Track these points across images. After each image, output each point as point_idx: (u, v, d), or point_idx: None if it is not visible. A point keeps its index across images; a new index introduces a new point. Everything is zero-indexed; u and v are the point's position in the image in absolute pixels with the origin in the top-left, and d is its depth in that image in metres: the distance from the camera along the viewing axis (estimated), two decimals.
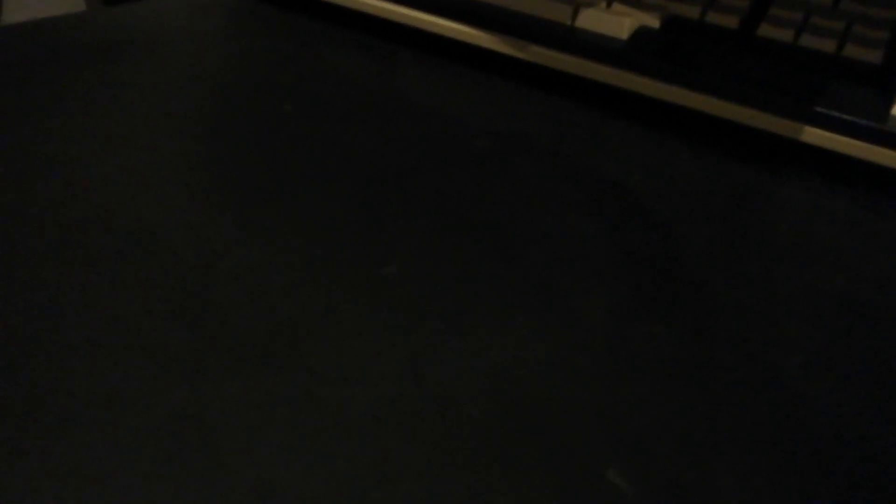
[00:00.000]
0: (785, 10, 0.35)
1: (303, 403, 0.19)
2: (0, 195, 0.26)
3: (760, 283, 0.25)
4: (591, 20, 0.35)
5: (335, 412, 0.19)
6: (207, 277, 0.23)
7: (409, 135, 0.32)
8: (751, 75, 0.32)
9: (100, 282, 0.23)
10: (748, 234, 0.27)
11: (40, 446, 0.18)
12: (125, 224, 0.25)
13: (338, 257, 0.24)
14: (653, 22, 0.35)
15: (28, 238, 0.24)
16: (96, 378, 0.20)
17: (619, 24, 0.34)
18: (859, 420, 0.20)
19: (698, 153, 0.32)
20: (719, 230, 0.28)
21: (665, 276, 0.25)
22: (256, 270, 0.24)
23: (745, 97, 0.31)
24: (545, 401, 0.20)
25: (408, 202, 0.28)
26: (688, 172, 0.31)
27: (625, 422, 0.20)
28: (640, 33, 0.35)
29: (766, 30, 0.34)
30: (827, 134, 0.30)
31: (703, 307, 0.24)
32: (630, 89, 0.34)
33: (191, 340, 0.21)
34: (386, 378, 0.20)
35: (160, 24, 0.40)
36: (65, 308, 0.22)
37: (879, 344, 0.23)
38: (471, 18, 0.36)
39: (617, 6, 0.36)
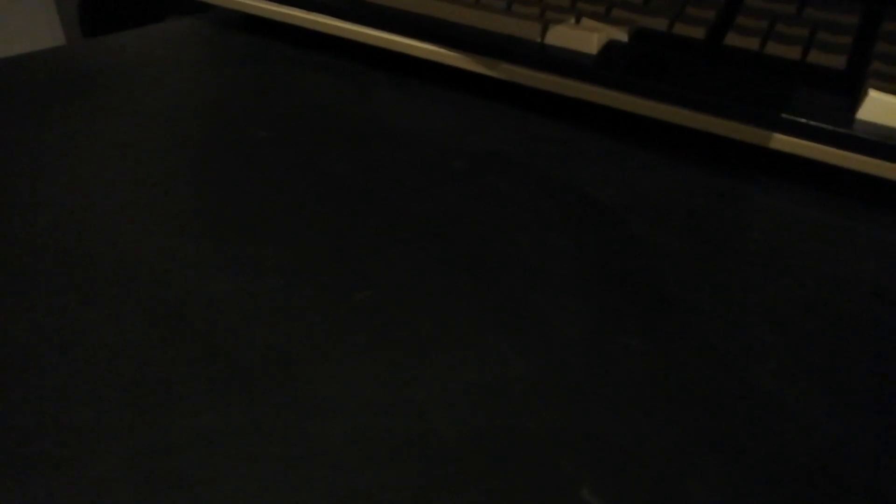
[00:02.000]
0: (750, 18, 0.36)
1: (280, 435, 0.20)
2: None
3: (733, 292, 0.25)
4: (561, 37, 0.35)
5: (310, 443, 0.19)
6: (184, 308, 0.23)
7: (384, 158, 0.32)
8: (719, 85, 0.32)
9: (76, 315, 0.23)
10: (721, 244, 0.28)
11: (10, 482, 0.18)
12: (102, 257, 0.25)
13: (313, 284, 0.25)
14: (621, 36, 0.36)
15: (4, 274, 0.24)
16: (69, 412, 0.20)
17: (589, 40, 0.35)
18: (834, 426, 0.21)
19: (670, 164, 0.33)
20: (692, 241, 0.28)
21: (639, 290, 0.25)
22: (232, 300, 0.24)
23: (714, 107, 0.32)
24: (521, 420, 0.20)
25: (384, 225, 0.28)
26: (660, 184, 0.31)
27: (599, 438, 0.20)
28: (610, 47, 0.35)
29: (732, 39, 0.35)
30: (795, 140, 0.30)
31: (677, 319, 0.24)
32: (601, 103, 0.34)
33: (164, 373, 0.21)
34: (361, 406, 0.20)
35: (139, 56, 0.41)
36: (39, 342, 0.22)
37: (852, 349, 0.23)
38: (443, 39, 0.37)
39: (586, 21, 0.36)
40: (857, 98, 0.31)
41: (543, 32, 0.36)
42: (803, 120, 0.30)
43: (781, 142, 0.31)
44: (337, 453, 0.19)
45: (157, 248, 0.26)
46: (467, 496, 0.18)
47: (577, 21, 0.36)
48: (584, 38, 0.35)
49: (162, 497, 0.18)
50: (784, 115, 0.30)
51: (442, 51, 0.37)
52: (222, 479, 0.18)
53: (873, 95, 0.29)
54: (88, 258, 0.25)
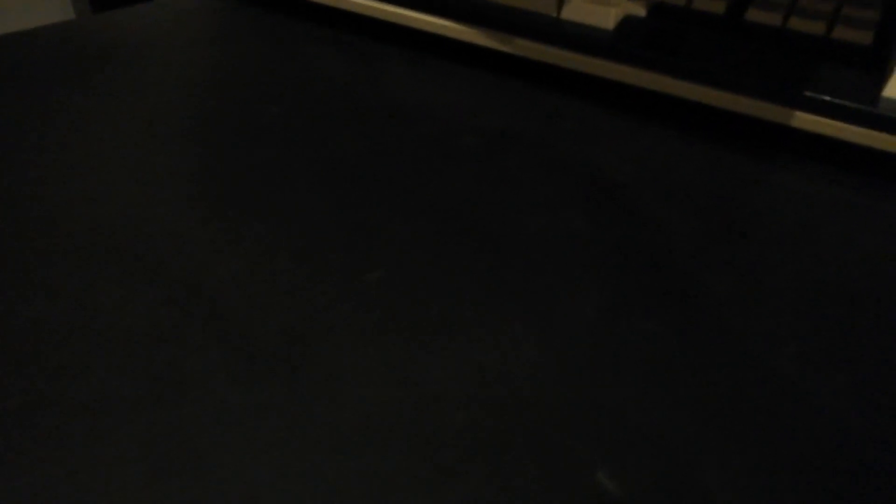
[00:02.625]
0: None
1: (290, 416, 0.19)
2: None
3: (752, 275, 0.25)
4: (577, 11, 0.34)
5: (323, 424, 0.19)
6: (196, 288, 0.23)
7: (395, 135, 0.32)
8: (739, 61, 0.31)
9: (88, 293, 0.23)
10: (740, 225, 0.27)
11: (29, 460, 0.18)
12: (111, 235, 0.25)
13: (324, 264, 0.24)
14: (639, 10, 0.35)
15: (17, 252, 0.24)
16: (81, 389, 0.19)
17: (605, 14, 0.34)
18: (854, 413, 0.20)
19: (688, 143, 0.32)
20: (711, 221, 0.27)
21: (656, 271, 0.25)
22: (244, 280, 0.23)
23: (735, 84, 0.31)
24: (533, 402, 0.20)
25: (395, 204, 0.27)
26: (678, 163, 0.31)
27: (614, 421, 0.19)
28: (627, 22, 0.34)
29: (754, 14, 0.34)
30: (818, 118, 0.30)
31: (694, 301, 0.24)
32: (618, 80, 0.33)
33: (176, 352, 0.21)
34: (374, 386, 0.20)
35: (147, 30, 0.40)
36: (51, 319, 0.21)
37: (873, 333, 0.23)
38: (455, 13, 0.36)
39: None
40: (883, 75, 0.30)
41: (559, 6, 0.35)
42: (827, 97, 0.29)
43: (804, 120, 0.30)
44: (349, 435, 0.19)
45: (167, 227, 0.26)
46: (479, 479, 0.18)
47: None
48: (601, 12, 0.34)
49: (174, 477, 0.18)
50: (807, 93, 0.29)
51: (454, 25, 0.36)
52: (235, 459, 0.18)
53: None
54: (98, 236, 0.25)
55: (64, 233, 0.25)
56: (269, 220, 0.26)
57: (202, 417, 0.19)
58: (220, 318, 0.22)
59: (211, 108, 0.33)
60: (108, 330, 0.21)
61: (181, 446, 0.18)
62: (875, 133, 0.29)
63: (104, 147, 0.30)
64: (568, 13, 0.34)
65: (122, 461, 0.18)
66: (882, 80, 0.29)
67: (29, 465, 0.18)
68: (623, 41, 0.33)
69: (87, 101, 0.33)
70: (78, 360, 0.20)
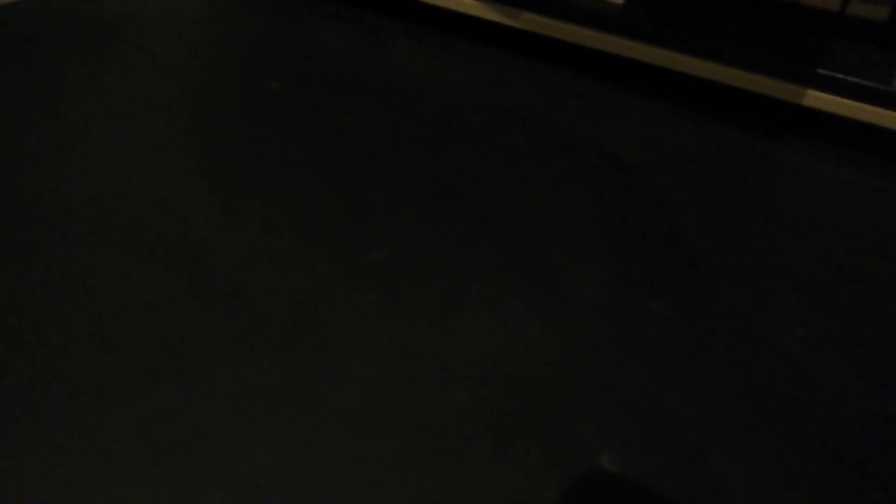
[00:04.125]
0: None
1: (292, 394, 0.19)
2: None
3: (761, 255, 0.24)
4: None
5: (325, 403, 0.19)
6: (195, 264, 0.23)
7: (399, 111, 0.31)
8: (752, 38, 0.30)
9: (89, 266, 0.22)
10: (749, 204, 0.27)
11: (28, 439, 0.18)
12: (112, 209, 0.25)
13: (327, 243, 0.24)
14: None
15: (15, 225, 0.24)
16: (81, 363, 0.19)
17: None
18: (862, 394, 0.20)
19: (698, 121, 0.31)
20: (719, 201, 0.27)
21: (664, 251, 0.24)
22: (243, 257, 0.23)
23: (746, 61, 0.30)
24: (537, 382, 0.20)
25: (398, 182, 0.27)
26: (687, 141, 0.30)
27: (619, 402, 0.19)
28: None
29: None
30: (831, 97, 0.29)
31: (702, 281, 0.23)
32: (627, 56, 0.33)
33: (178, 328, 0.21)
34: (377, 366, 0.20)
35: (155, 4, 0.39)
36: (52, 293, 0.21)
37: (882, 314, 0.22)
38: None
39: None
40: None
41: None
42: (840, 76, 0.28)
43: (817, 98, 0.29)
44: (352, 413, 0.19)
45: (167, 202, 0.25)
46: (483, 459, 0.18)
47: None
48: None
49: (173, 456, 0.17)
50: (820, 71, 0.29)
51: None
52: (235, 438, 0.18)
53: None
54: (98, 210, 0.25)
55: (64, 205, 0.25)
56: (271, 195, 0.26)
57: (202, 395, 0.19)
58: (220, 294, 0.22)
59: (211, 83, 0.32)
60: (106, 306, 0.21)
61: (181, 424, 0.18)
62: (889, 112, 0.28)
63: (104, 120, 0.29)
64: None
65: (121, 439, 0.18)
66: None
67: (28, 444, 0.18)
68: (633, 16, 0.32)
69: (94, 72, 0.32)
70: (78, 337, 0.20)
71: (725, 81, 0.31)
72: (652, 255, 0.24)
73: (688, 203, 0.27)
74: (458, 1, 0.36)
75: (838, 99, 0.29)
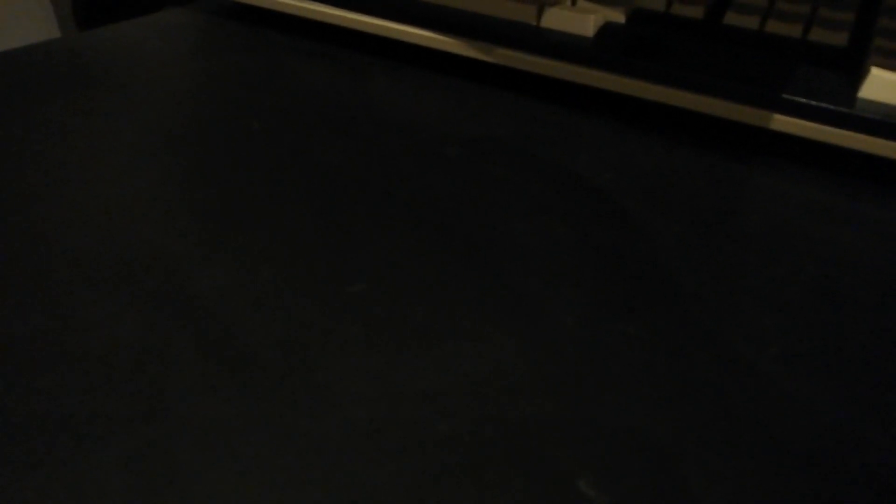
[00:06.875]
0: None
1: (270, 431, 0.19)
2: None
3: (733, 277, 0.25)
4: (557, 19, 0.35)
5: (307, 439, 0.19)
6: (178, 303, 0.23)
7: (378, 146, 0.32)
8: (718, 65, 0.32)
9: (71, 310, 0.23)
10: (720, 228, 0.27)
11: (8, 478, 0.18)
12: (94, 252, 0.25)
13: (306, 277, 0.24)
14: (618, 17, 0.35)
15: None
16: (65, 408, 0.20)
17: (585, 22, 0.34)
18: (836, 413, 0.20)
19: (669, 148, 0.32)
20: (691, 225, 0.27)
21: (637, 276, 0.25)
22: (227, 293, 0.24)
23: (714, 88, 0.31)
24: (517, 411, 0.20)
25: (378, 215, 0.28)
26: (659, 168, 0.31)
27: (596, 429, 0.20)
28: (606, 29, 0.34)
29: (731, 18, 0.34)
30: (796, 120, 0.30)
31: (675, 305, 0.24)
32: (599, 86, 0.34)
33: (159, 368, 0.21)
34: (356, 401, 0.20)
35: (133, 48, 0.40)
36: (34, 338, 0.22)
37: (855, 332, 0.23)
38: (437, 24, 0.36)
39: (582, 4, 0.36)
40: (859, 76, 0.30)
41: (539, 15, 0.35)
42: (804, 100, 0.29)
43: (782, 122, 0.30)
44: (333, 449, 0.19)
45: (150, 242, 0.26)
46: (464, 489, 0.18)
47: (574, 3, 0.36)
48: (581, 20, 0.34)
49: (158, 495, 0.18)
50: (784, 96, 0.30)
51: (436, 36, 0.37)
52: (219, 476, 0.18)
53: (875, 73, 0.29)
54: (81, 252, 0.25)
55: (46, 248, 0.25)
56: (253, 232, 0.26)
57: (186, 432, 0.19)
58: (204, 331, 0.22)
59: (195, 125, 0.33)
60: (90, 344, 0.21)
61: (165, 462, 0.18)
62: (852, 134, 0.29)
63: (89, 163, 0.30)
64: (548, 21, 0.35)
65: (105, 478, 0.18)
66: (858, 81, 0.30)
67: (7, 484, 0.18)
68: (603, 48, 0.33)
69: (74, 119, 0.33)
70: (60, 377, 0.21)
71: (694, 108, 0.32)
72: (626, 279, 0.25)
73: (661, 226, 0.27)
74: (435, 38, 0.37)
75: (804, 122, 0.30)
